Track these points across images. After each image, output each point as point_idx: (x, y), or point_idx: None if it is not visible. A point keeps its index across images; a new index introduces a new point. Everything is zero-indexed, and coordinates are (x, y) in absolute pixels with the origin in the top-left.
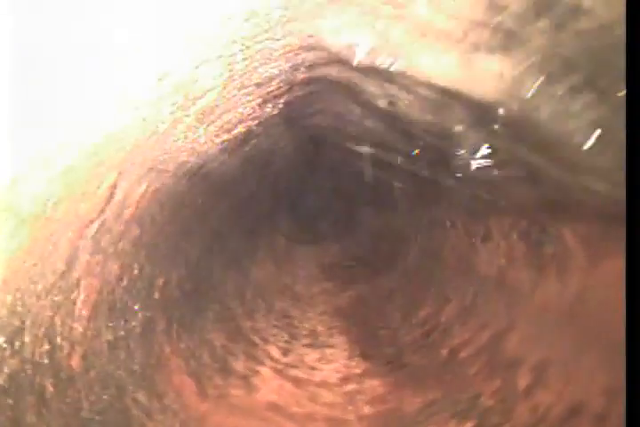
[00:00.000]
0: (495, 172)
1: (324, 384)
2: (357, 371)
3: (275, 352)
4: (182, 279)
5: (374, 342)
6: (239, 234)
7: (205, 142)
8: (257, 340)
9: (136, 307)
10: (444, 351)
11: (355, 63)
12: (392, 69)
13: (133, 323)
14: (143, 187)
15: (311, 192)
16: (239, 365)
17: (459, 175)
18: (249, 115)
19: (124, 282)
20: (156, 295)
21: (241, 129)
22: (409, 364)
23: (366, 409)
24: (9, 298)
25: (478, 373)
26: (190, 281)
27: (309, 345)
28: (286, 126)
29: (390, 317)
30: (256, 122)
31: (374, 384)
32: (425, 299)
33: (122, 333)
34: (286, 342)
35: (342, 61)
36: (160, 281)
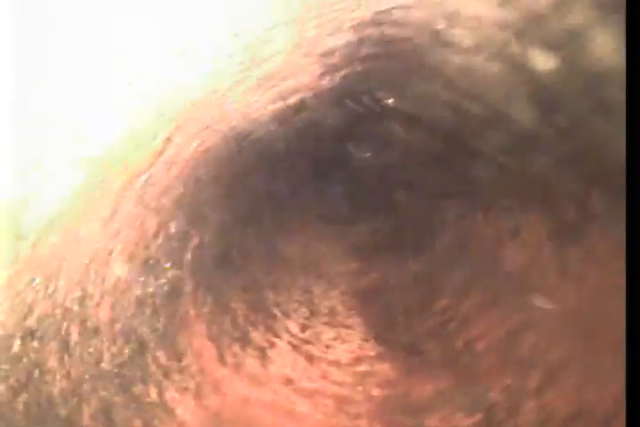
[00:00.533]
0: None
1: (336, 363)
2: (371, 353)
3: (293, 327)
4: (214, 243)
5: (391, 327)
6: (275, 206)
7: (259, 109)
8: (278, 313)
9: (167, 265)
10: (460, 342)
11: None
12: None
13: (162, 280)
14: (194, 145)
15: (349, 172)
16: (258, 336)
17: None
18: (306, 85)
19: (160, 239)
20: (188, 256)
21: (295, 99)
22: (424, 351)
23: (375, 391)
24: (54, 238)
25: (491, 367)
26: (221, 246)
27: (327, 323)
28: (337, 101)
29: (410, 303)
30: (311, 94)
31: (386, 368)
32: (446, 288)
33: (150, 289)
34: (305, 318)
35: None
36: (194, 242)
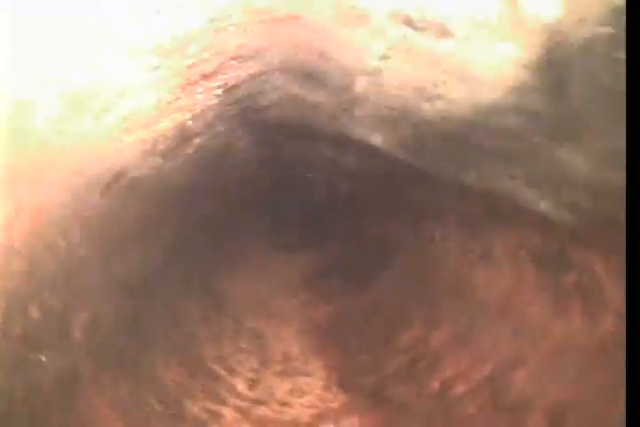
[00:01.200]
0: None
1: (294, 424)
2: (334, 405)
3: (240, 385)
4: (119, 310)
5: (354, 369)
6: (201, 243)
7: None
8: (220, 371)
9: (42, 357)
10: (435, 384)
11: None
12: None
13: (41, 376)
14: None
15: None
16: (195, 407)
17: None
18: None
19: (19, 329)
20: (77, 335)
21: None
22: (394, 398)
23: None
24: None
25: (477, 413)
26: (132, 309)
27: (281, 373)
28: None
29: (371, 338)
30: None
31: (354, 423)
32: (410, 319)
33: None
34: (254, 370)
35: None
36: (81, 317)
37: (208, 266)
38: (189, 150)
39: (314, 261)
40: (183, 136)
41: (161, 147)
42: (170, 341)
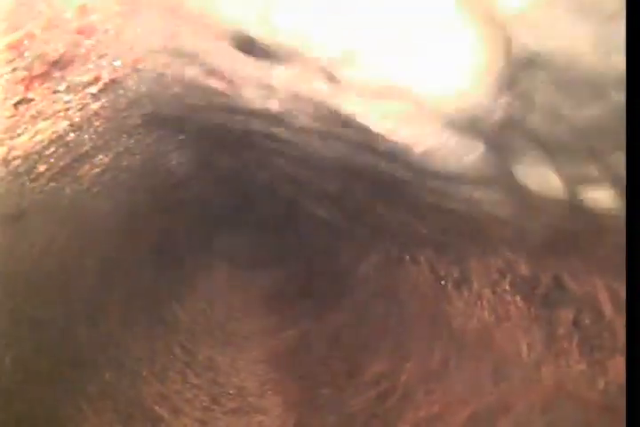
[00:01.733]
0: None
1: None
2: None
3: None
4: (34, 351)
5: (315, 405)
6: (146, 266)
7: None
8: (162, 412)
9: None
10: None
11: None
12: None
13: None
14: None
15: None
16: None
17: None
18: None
19: None
20: None
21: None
22: None
23: None
24: None
25: None
26: (62, 348)
27: (234, 411)
28: None
29: (335, 369)
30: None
31: None
32: (378, 349)
33: None
34: (205, 409)
35: None
36: None
37: (155, 290)
38: (94, 170)
39: (277, 280)
40: (73, 154)
41: (42, 167)
42: (103, 382)
